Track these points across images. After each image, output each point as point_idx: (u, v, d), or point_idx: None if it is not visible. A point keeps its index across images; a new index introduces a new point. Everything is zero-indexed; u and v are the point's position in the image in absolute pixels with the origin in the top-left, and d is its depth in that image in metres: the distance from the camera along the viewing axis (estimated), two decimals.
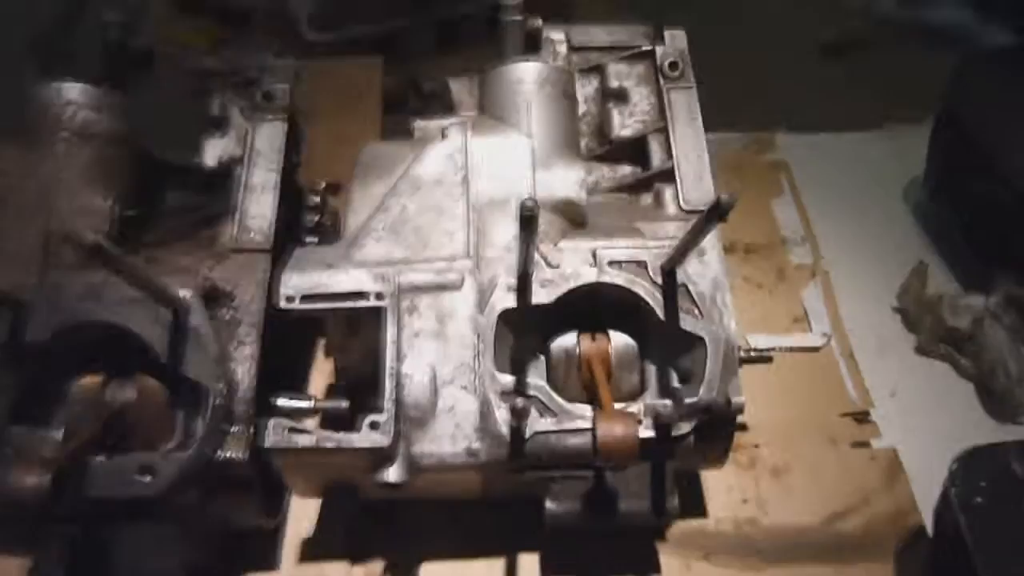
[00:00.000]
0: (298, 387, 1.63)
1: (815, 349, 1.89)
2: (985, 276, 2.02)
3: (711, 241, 1.36)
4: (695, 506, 1.59)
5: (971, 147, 2.03)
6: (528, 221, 1.02)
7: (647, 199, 1.47)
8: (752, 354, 1.48)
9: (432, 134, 1.47)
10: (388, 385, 1.24)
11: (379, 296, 1.29)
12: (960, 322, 1.90)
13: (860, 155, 2.41)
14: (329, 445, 1.21)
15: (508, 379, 1.28)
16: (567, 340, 1.29)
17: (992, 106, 2.03)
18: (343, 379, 1.54)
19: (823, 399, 1.82)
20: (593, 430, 1.12)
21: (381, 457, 1.23)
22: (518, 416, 1.11)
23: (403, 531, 1.50)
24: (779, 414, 1.77)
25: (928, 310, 1.95)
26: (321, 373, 1.78)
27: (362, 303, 1.29)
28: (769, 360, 1.54)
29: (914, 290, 1.99)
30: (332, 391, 1.68)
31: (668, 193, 1.42)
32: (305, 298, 1.30)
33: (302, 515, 1.55)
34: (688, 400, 1.26)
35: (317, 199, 1.63)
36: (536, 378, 1.23)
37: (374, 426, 1.21)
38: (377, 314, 1.30)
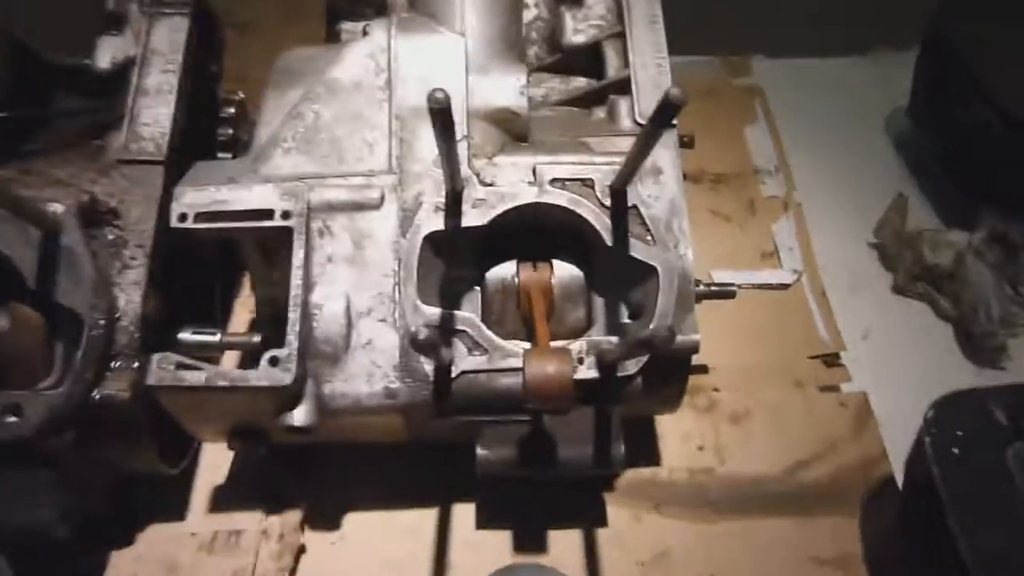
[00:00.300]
0: (215, 322, 1.46)
1: (784, 286, 1.75)
2: (968, 211, 1.89)
3: (668, 159, 1.20)
4: (647, 454, 1.46)
5: (959, 70, 1.86)
6: (440, 117, 0.85)
7: (600, 113, 1.30)
8: (712, 288, 1.34)
9: (359, 36, 1.28)
10: (293, 316, 1.08)
11: (285, 215, 1.13)
12: (941, 259, 1.76)
13: (841, 82, 2.24)
14: (222, 383, 1.05)
15: (434, 312, 1.12)
16: (504, 269, 1.14)
17: (982, 26, 1.86)
18: (262, 313, 1.38)
19: (791, 340, 1.69)
20: (523, 369, 0.97)
21: (285, 398, 1.07)
22: (421, 349, 0.96)
23: (324, 478, 1.35)
24: (742, 356, 1.63)
25: (907, 246, 1.81)
26: (246, 308, 1.61)
27: (266, 223, 1.12)
28: (732, 295, 1.39)
29: (892, 225, 1.84)
30: (254, 327, 1.51)
31: (623, 105, 1.25)
32: (200, 216, 1.13)
33: (221, 460, 1.39)
34: (636, 336, 1.11)
35: (232, 110, 1.44)
36: (468, 312, 1.07)
37: (274, 362, 1.06)
38: (286, 236, 1.13)
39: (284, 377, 1.06)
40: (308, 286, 1.13)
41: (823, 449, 1.48)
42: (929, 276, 1.77)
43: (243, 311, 1.63)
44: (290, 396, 1.08)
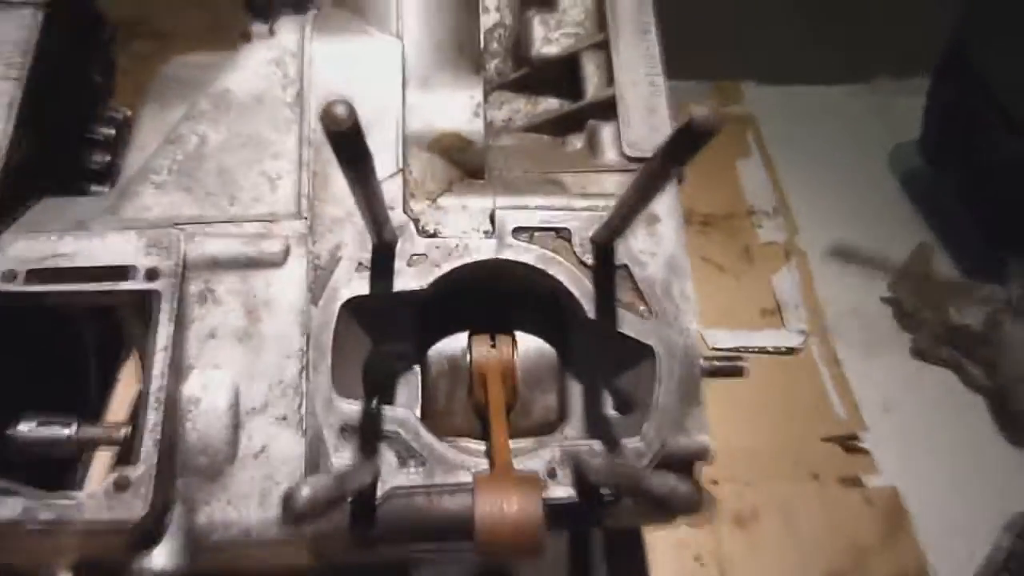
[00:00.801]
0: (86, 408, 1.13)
1: (791, 351, 1.48)
2: (993, 260, 1.63)
3: (667, 203, 0.92)
4: (633, 570, 1.15)
5: (982, 98, 1.61)
6: (343, 143, 0.55)
7: (576, 142, 1.02)
8: (717, 365, 1.05)
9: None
10: (152, 418, 0.77)
11: (151, 274, 0.82)
12: (970, 319, 1.50)
13: (840, 113, 2.00)
14: (45, 518, 0.73)
15: (353, 407, 0.81)
16: (452, 344, 0.92)
17: (1009, 47, 1.61)
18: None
19: (801, 417, 1.41)
20: (473, 506, 0.67)
21: (137, 533, 0.75)
22: (299, 519, 0.63)
23: None
24: (744, 438, 1.34)
25: (928, 303, 1.54)
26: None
27: (121, 285, 0.81)
28: (740, 373, 1.10)
29: (912, 278, 1.58)
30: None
31: (606, 133, 0.98)
32: (32, 275, 0.81)
33: None
34: (628, 442, 0.82)
35: (112, 131, 1.12)
36: (400, 405, 0.91)
37: (122, 485, 0.74)
38: (155, 303, 0.82)
39: (134, 508, 0.75)
40: (179, 372, 0.81)
41: (849, 562, 1.20)
42: (956, 339, 1.50)
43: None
44: (145, 532, 0.76)
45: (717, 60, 2.01)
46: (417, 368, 0.97)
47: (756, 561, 1.19)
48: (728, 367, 1.08)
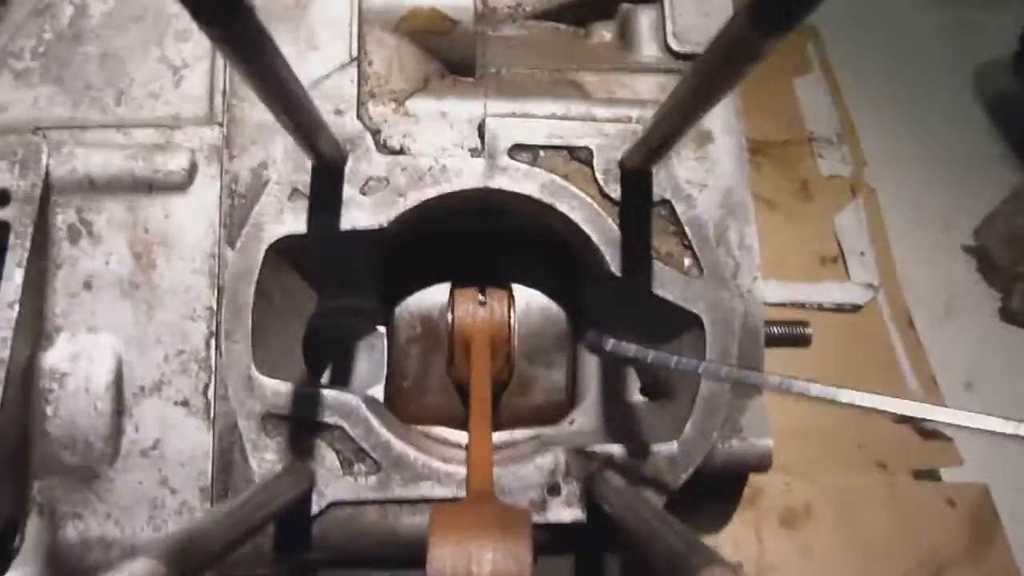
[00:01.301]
0: None
1: (854, 308, 1.23)
2: None
3: (724, 116, 0.66)
4: None
5: None
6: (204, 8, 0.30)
7: (605, 33, 0.76)
8: (778, 332, 0.81)
9: None
10: None
11: (1, 196, 0.57)
12: None
13: (917, 25, 1.68)
14: None
15: (281, 389, 0.58)
16: (428, 300, 0.70)
17: None
18: None
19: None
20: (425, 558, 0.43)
21: None
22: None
23: None
24: (794, 417, 1.09)
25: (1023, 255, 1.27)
26: None
27: None
28: (806, 341, 0.87)
29: (1006, 223, 1.30)
30: None
31: (644, 20, 0.72)
32: None
33: None
34: (660, 447, 0.58)
35: None
36: (358, 380, 0.72)
37: None
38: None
39: None
40: (38, 336, 0.58)
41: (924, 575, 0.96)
42: None
43: None
44: None
45: None
46: (382, 330, 0.73)
47: (806, 570, 0.96)
48: (791, 334, 0.84)
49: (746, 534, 1.02)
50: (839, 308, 1.21)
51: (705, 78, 0.46)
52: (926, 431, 1.11)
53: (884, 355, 1.17)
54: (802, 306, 1.20)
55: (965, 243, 1.35)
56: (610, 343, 0.60)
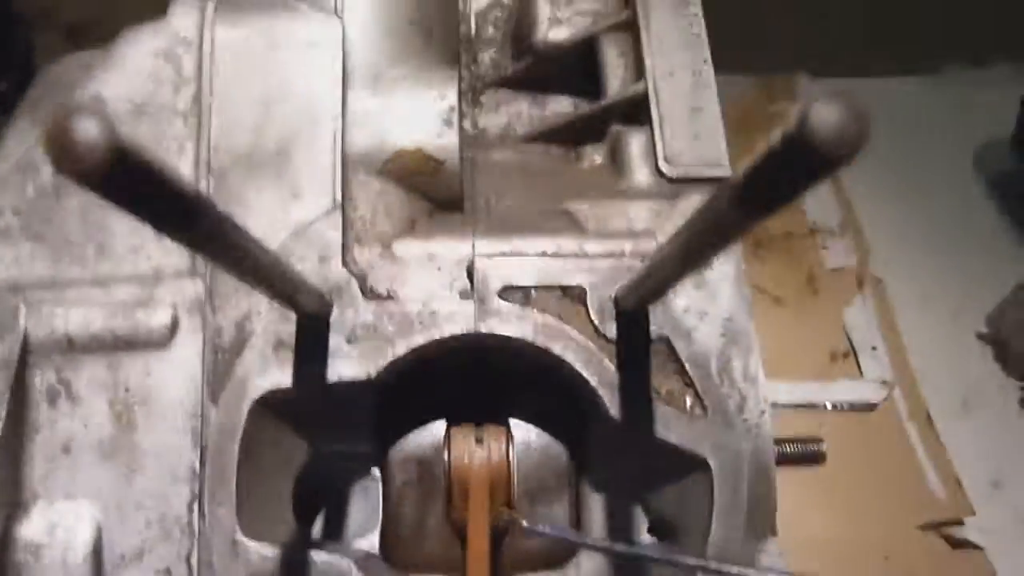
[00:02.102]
0: None
1: (869, 407, 1.18)
2: None
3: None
4: None
5: None
6: (111, 189, 0.28)
7: (596, 156, 0.75)
8: (787, 450, 0.78)
9: None
10: None
11: None
12: None
13: (910, 109, 1.68)
14: None
15: (269, 554, 0.55)
16: (424, 440, 0.69)
17: None
18: None
19: (888, 497, 1.11)
20: None
21: None
22: None
23: None
24: (815, 526, 1.05)
25: None
26: None
27: None
28: (820, 458, 0.84)
29: (1017, 311, 1.27)
30: None
31: (635, 143, 0.71)
32: None
33: None
34: None
35: None
36: (354, 527, 0.68)
37: None
38: None
39: None
40: (13, 506, 0.55)
41: None
42: None
43: None
44: None
45: (766, 51, 1.71)
46: (377, 473, 0.70)
47: None
48: (805, 453, 0.81)
49: None
50: (853, 407, 1.17)
51: (691, 244, 0.44)
52: (955, 540, 1.06)
53: (904, 456, 1.13)
54: (814, 407, 1.17)
55: (980, 331, 1.32)
56: (524, 522, 0.58)
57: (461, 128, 0.66)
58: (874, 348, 1.25)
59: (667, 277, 0.51)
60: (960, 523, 1.08)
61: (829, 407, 1.19)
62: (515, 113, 0.87)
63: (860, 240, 1.41)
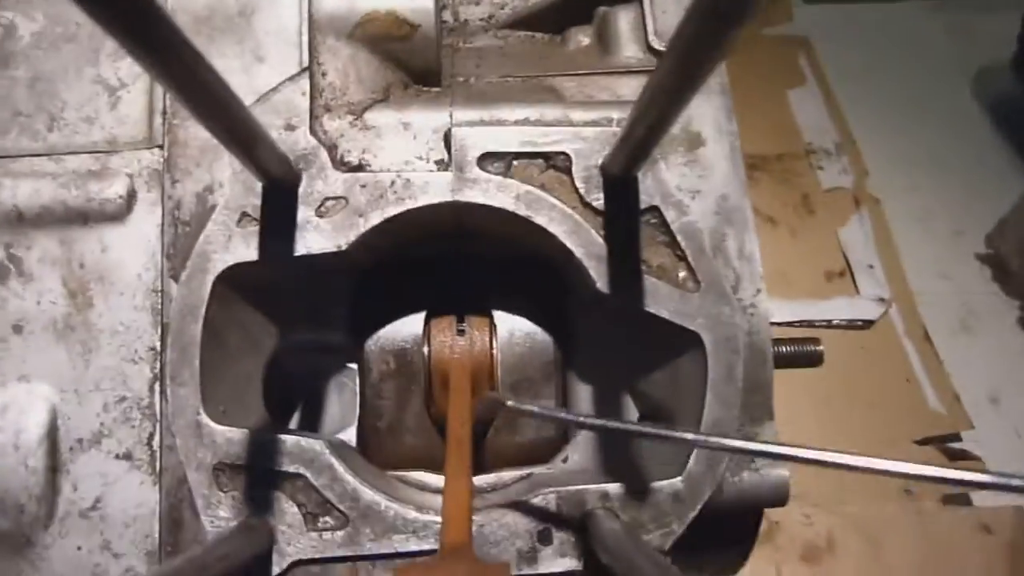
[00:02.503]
0: None
1: (866, 324, 1.16)
2: None
3: (715, 116, 0.61)
4: None
5: None
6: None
7: (582, 38, 0.70)
8: (786, 351, 0.75)
9: None
10: None
11: None
12: None
13: (909, 33, 1.64)
14: None
15: (234, 436, 0.51)
16: (402, 332, 0.65)
17: None
18: None
19: (886, 413, 1.08)
20: None
21: None
22: None
23: None
24: (814, 443, 1.00)
25: None
26: None
27: None
28: (817, 359, 0.81)
29: (1016, 230, 1.24)
30: None
31: (624, 20, 0.68)
32: None
33: None
34: (662, 485, 0.51)
35: None
36: (329, 423, 0.65)
37: None
38: None
39: None
40: None
41: None
42: None
43: None
44: None
45: None
46: (354, 367, 0.67)
47: None
48: (801, 353, 0.78)
49: (765, 573, 0.94)
50: (850, 325, 1.14)
51: (677, 67, 0.40)
52: (953, 452, 1.04)
53: (901, 373, 1.11)
54: (811, 324, 1.14)
55: (978, 251, 1.28)
56: (509, 401, 0.55)
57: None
58: (871, 266, 1.22)
59: (655, 122, 0.47)
60: (958, 438, 1.06)
61: (826, 324, 1.15)
62: (498, 4, 0.82)
63: (857, 160, 1.37)
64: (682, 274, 0.58)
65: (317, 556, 0.54)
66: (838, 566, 0.93)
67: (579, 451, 0.65)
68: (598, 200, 0.57)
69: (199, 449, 0.54)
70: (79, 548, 0.54)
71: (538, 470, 0.65)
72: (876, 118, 1.46)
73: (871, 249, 1.24)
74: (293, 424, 0.67)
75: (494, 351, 0.65)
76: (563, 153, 0.58)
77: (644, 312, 0.57)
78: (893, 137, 1.44)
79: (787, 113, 1.45)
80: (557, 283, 0.65)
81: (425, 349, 0.65)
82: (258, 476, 0.54)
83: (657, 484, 0.56)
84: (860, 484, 1.00)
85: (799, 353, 0.78)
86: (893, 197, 1.34)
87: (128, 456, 0.55)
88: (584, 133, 0.59)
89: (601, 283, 0.56)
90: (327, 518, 0.55)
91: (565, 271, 0.61)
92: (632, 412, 0.66)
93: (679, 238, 0.58)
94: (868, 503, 0.96)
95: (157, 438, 0.55)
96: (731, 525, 0.63)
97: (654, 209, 0.58)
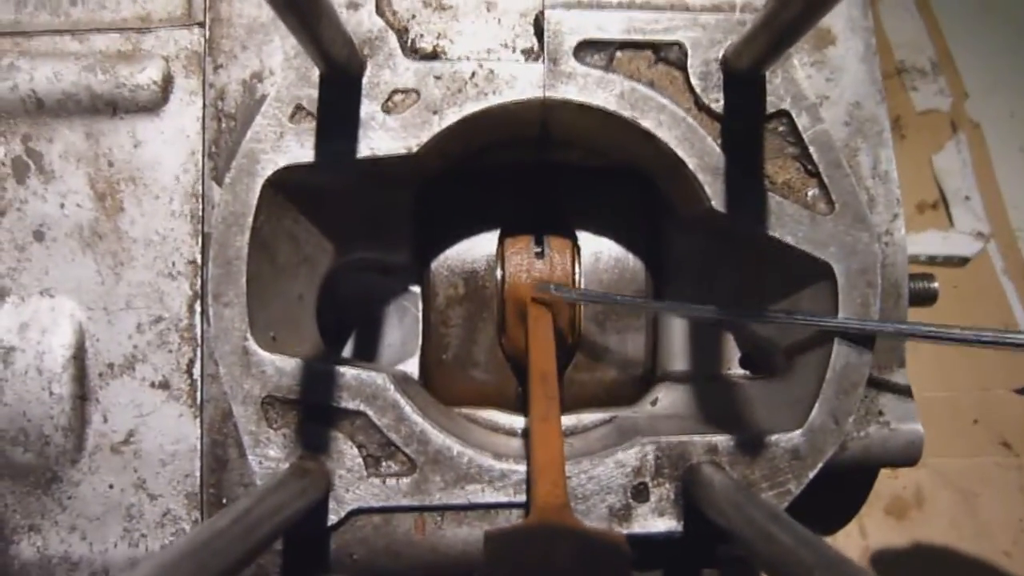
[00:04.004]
0: None
1: (962, 261, 1.06)
2: None
3: (848, 12, 0.49)
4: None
5: None
6: None
7: None
8: (913, 286, 0.66)
9: None
10: None
11: None
12: None
13: None
14: None
15: (288, 365, 0.44)
16: (473, 252, 0.57)
17: None
18: None
19: (981, 359, 0.99)
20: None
21: None
22: None
23: None
24: None
25: None
26: None
27: None
28: (932, 296, 0.72)
29: None
30: None
31: None
32: None
33: None
34: (778, 437, 0.43)
35: None
36: (386, 350, 0.59)
37: None
38: None
39: None
40: None
41: None
42: None
43: None
44: None
45: None
46: (416, 291, 0.59)
47: (918, 568, 0.81)
48: (916, 290, 0.68)
49: (847, 527, 0.86)
50: (944, 261, 1.04)
51: None
52: None
53: (999, 315, 1.01)
54: None
55: None
56: (552, 288, 0.47)
57: None
58: (967, 198, 1.11)
59: (791, 23, 0.37)
60: None
61: (917, 260, 1.06)
62: None
63: (955, 81, 1.24)
64: (812, 192, 0.49)
65: (379, 505, 0.47)
66: (926, 522, 0.86)
67: (670, 393, 0.58)
68: (717, 102, 0.48)
69: (246, 379, 0.47)
70: (110, 486, 0.48)
71: (623, 413, 0.57)
72: (978, 34, 1.32)
73: (968, 179, 1.13)
74: (346, 353, 0.60)
75: (577, 276, 0.57)
76: (677, 43, 0.48)
77: (764, 236, 0.48)
78: (996, 56, 1.30)
79: (876, 27, 1.31)
80: (652, 200, 0.57)
81: (499, 272, 0.58)
82: (312, 412, 0.47)
83: (773, 437, 0.48)
84: (951, 435, 0.92)
85: (912, 290, 0.69)
86: (994, 122, 1.22)
87: (165, 385, 0.48)
88: (702, 19, 0.49)
89: (716, 201, 0.48)
90: (391, 462, 0.48)
91: (667, 186, 0.52)
92: (733, 352, 0.58)
93: (811, 149, 0.48)
94: (960, 456, 0.89)
95: (198, 365, 0.48)
96: (844, 484, 0.55)
97: (783, 114, 0.49)
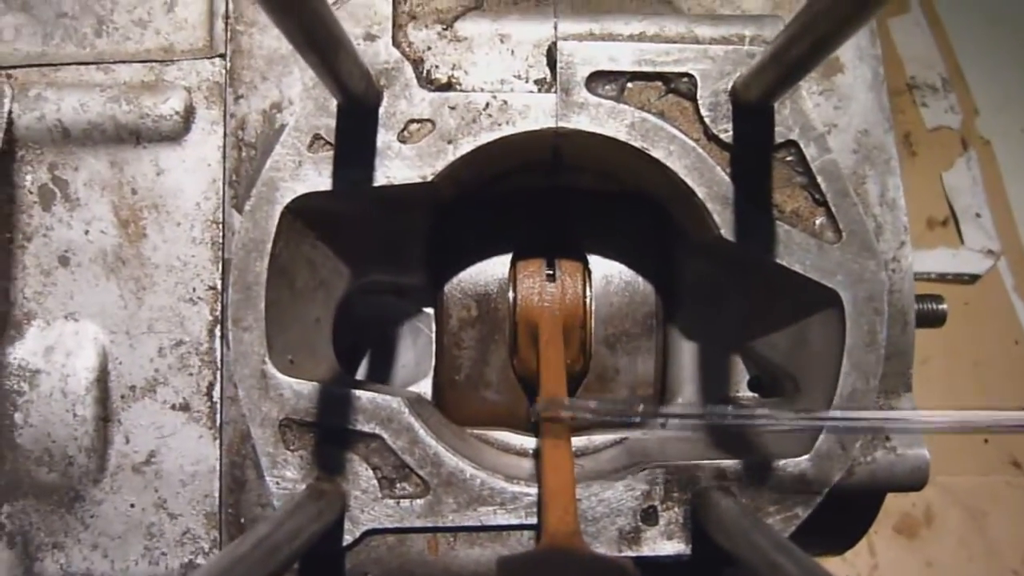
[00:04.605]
0: None
1: (972, 279, 1.06)
2: None
3: (857, 39, 0.50)
4: None
5: None
6: None
7: None
8: (921, 308, 0.67)
9: None
10: None
11: None
12: None
13: None
14: None
15: (304, 389, 0.45)
16: (485, 275, 0.58)
17: None
18: None
19: (992, 375, 0.99)
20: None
21: None
22: None
23: None
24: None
25: None
26: None
27: None
28: (941, 319, 0.72)
29: None
30: None
31: None
32: None
33: None
34: (786, 462, 0.44)
35: None
36: (401, 372, 0.60)
37: None
38: None
39: None
40: (5, 322, 0.46)
41: None
42: None
43: None
44: None
45: None
46: (430, 312, 0.60)
47: None
48: (924, 312, 0.69)
49: (859, 545, 0.86)
50: (954, 279, 1.05)
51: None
52: None
53: (1009, 333, 1.02)
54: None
55: None
56: (565, 402, 0.48)
57: None
58: (978, 215, 1.11)
59: (800, 58, 0.38)
60: None
61: (926, 277, 1.06)
62: None
63: (966, 98, 1.24)
64: (820, 221, 0.50)
65: (393, 526, 0.48)
66: (935, 541, 0.86)
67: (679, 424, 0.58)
68: (726, 132, 0.49)
69: (264, 402, 0.48)
70: (132, 506, 0.49)
71: (633, 435, 0.58)
72: (988, 50, 1.33)
73: (979, 196, 1.14)
74: (361, 373, 0.61)
75: (588, 300, 0.58)
76: (687, 75, 0.49)
77: (773, 264, 0.49)
78: (1007, 73, 1.31)
79: (887, 43, 1.32)
80: (663, 224, 0.58)
81: (511, 295, 0.59)
82: (329, 435, 0.49)
83: (781, 462, 0.49)
84: (962, 453, 0.92)
85: (922, 312, 0.69)
86: (1005, 139, 1.22)
87: (185, 407, 0.49)
88: (712, 52, 0.50)
89: (725, 229, 0.48)
90: (405, 484, 0.49)
91: (677, 212, 0.53)
92: (742, 375, 0.58)
93: (819, 179, 0.49)
94: (970, 475, 0.89)
95: (217, 388, 0.49)
96: (850, 507, 0.56)
97: (791, 144, 0.49)
